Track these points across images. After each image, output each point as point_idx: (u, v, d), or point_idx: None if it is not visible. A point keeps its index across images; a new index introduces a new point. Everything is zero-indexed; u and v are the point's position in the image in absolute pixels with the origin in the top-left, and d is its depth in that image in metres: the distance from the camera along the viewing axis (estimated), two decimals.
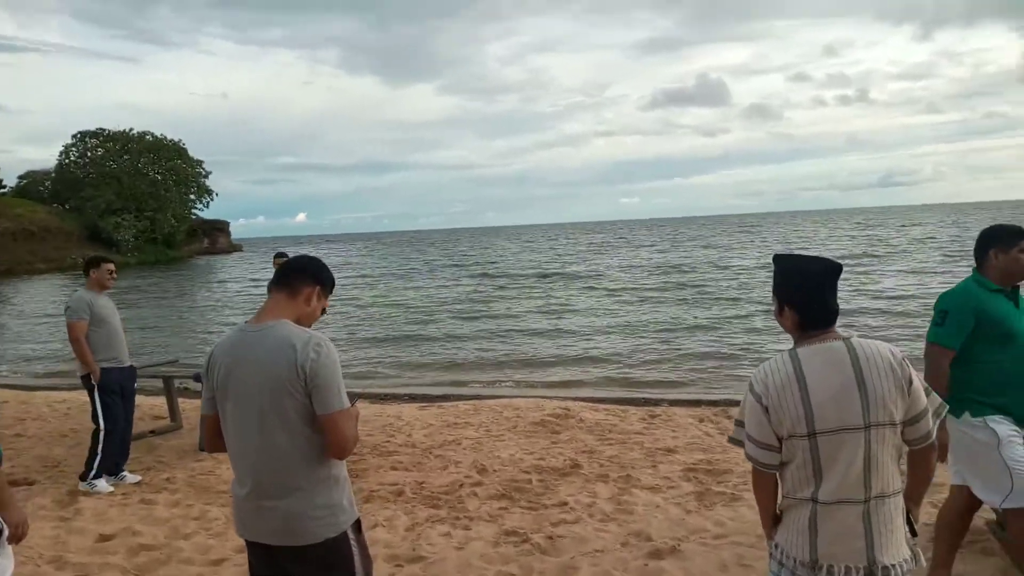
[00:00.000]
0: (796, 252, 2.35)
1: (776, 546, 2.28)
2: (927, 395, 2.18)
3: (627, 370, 11.98)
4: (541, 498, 5.21)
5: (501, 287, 28.97)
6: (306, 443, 2.28)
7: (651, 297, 22.94)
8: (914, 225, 70.97)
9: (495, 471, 5.85)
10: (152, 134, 75.33)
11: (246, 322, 2.43)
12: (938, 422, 2.21)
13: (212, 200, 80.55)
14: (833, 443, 2.09)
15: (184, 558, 4.35)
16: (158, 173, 73.13)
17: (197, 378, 6.95)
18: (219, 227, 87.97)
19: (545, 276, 32.89)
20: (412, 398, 9.65)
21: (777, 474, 2.26)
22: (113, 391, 5.71)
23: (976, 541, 4.16)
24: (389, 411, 8.33)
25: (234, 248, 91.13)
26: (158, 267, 60.18)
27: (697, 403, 8.46)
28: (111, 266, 5.89)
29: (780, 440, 2.16)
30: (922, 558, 2.25)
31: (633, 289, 25.34)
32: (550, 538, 4.48)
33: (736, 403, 8.36)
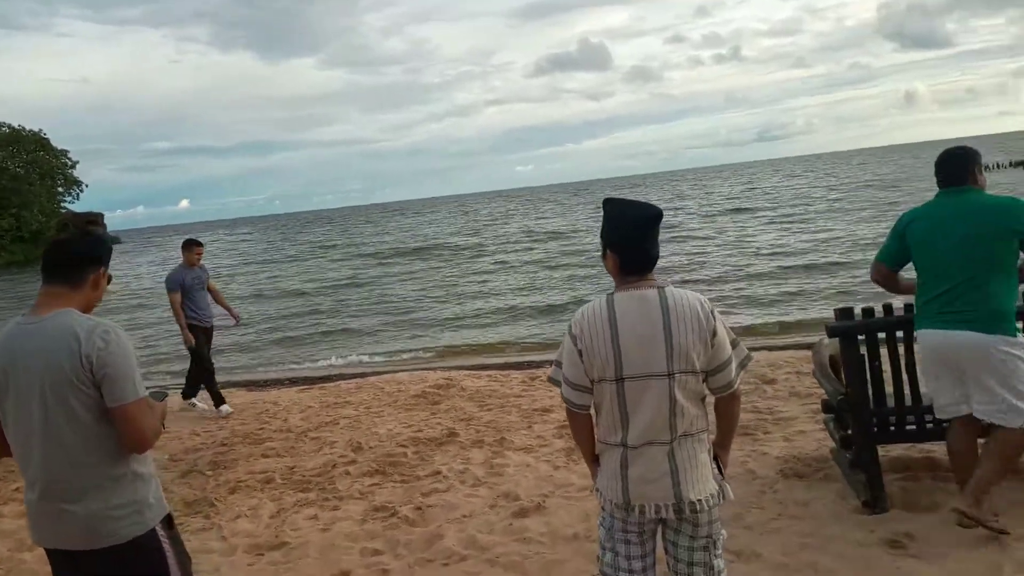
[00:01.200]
0: (624, 198, 2.32)
1: (597, 490, 2.32)
2: (733, 347, 2.22)
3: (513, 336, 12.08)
4: (415, 470, 5.16)
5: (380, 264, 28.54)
6: (97, 439, 2.12)
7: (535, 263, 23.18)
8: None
9: (371, 448, 5.75)
10: (9, 125, 69.77)
11: (23, 315, 2.22)
12: (741, 373, 2.26)
13: (82, 192, 75.63)
14: (638, 388, 2.12)
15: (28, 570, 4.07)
16: (19, 167, 67.93)
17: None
18: (92, 220, 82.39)
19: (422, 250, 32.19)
20: (293, 382, 9.39)
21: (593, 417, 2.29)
22: None
23: (820, 469, 4.40)
24: (267, 397, 8.07)
25: (112, 241, 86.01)
26: (29, 266, 56.13)
27: None
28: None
29: (592, 383, 2.19)
30: (730, 493, 2.31)
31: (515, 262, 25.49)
32: (419, 508, 4.44)
33: None
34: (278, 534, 4.27)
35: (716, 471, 2.30)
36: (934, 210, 3.41)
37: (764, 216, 32.75)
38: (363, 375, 9.11)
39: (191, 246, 7.44)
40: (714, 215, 36.25)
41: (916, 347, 3.75)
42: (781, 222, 28.77)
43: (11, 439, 2.20)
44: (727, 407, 2.31)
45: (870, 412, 3.85)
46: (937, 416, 3.54)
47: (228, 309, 7.89)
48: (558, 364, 2.30)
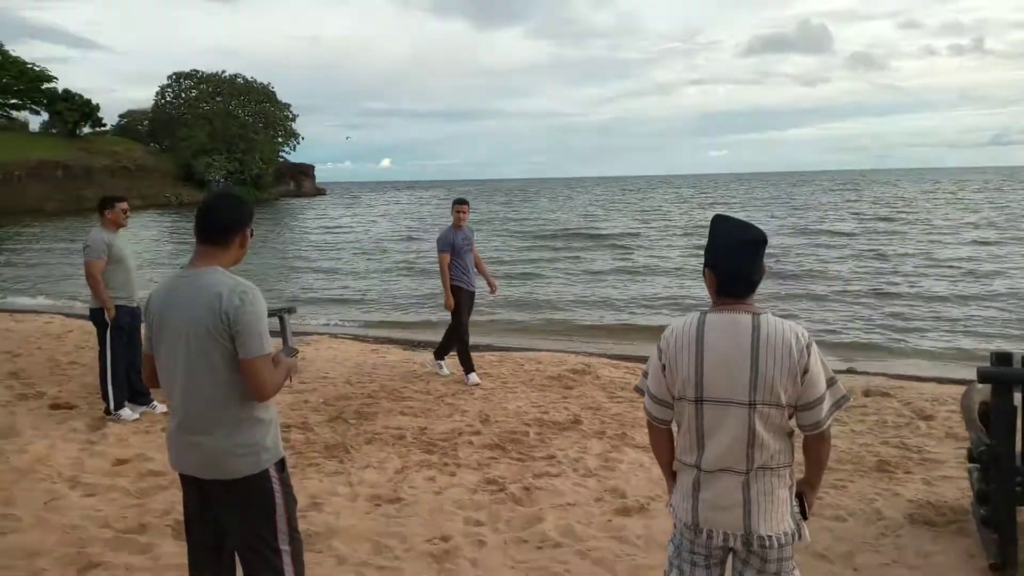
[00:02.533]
0: (733, 216, 2.31)
1: (671, 507, 2.34)
2: (829, 386, 2.14)
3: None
4: (533, 451, 5.33)
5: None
6: (227, 385, 2.42)
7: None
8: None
9: (497, 422, 5.99)
10: (243, 77, 77.54)
11: (181, 267, 2.58)
12: (833, 414, 2.17)
13: (299, 144, 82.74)
14: (717, 413, 2.12)
15: None
16: (248, 116, 75.43)
17: (271, 313, 7.26)
18: (304, 171, 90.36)
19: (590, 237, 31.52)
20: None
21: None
22: (123, 328, 6.05)
23: (955, 521, 4.07)
24: (417, 358, 8.57)
25: (318, 192, 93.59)
26: None
27: None
28: (125, 205, 6.19)
29: (673, 399, 2.21)
30: (806, 534, 2.25)
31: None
32: (526, 488, 4.60)
33: None
34: (396, 489, 4.61)
35: (796, 510, 2.24)
36: None
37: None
38: (507, 349, 9.41)
39: (457, 205, 7.35)
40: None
41: None
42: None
43: (160, 375, 2.56)
44: (814, 446, 2.23)
45: (1014, 469, 3.50)
46: None
47: (487, 278, 7.71)
48: (645, 374, 2.33)
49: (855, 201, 53.47)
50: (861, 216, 37.72)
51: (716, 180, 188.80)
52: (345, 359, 8.47)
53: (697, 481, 2.19)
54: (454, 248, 7.17)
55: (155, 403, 6.24)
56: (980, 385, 3.84)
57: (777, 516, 2.15)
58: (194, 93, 74.86)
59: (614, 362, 8.26)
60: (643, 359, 8.75)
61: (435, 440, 5.58)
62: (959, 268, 17.79)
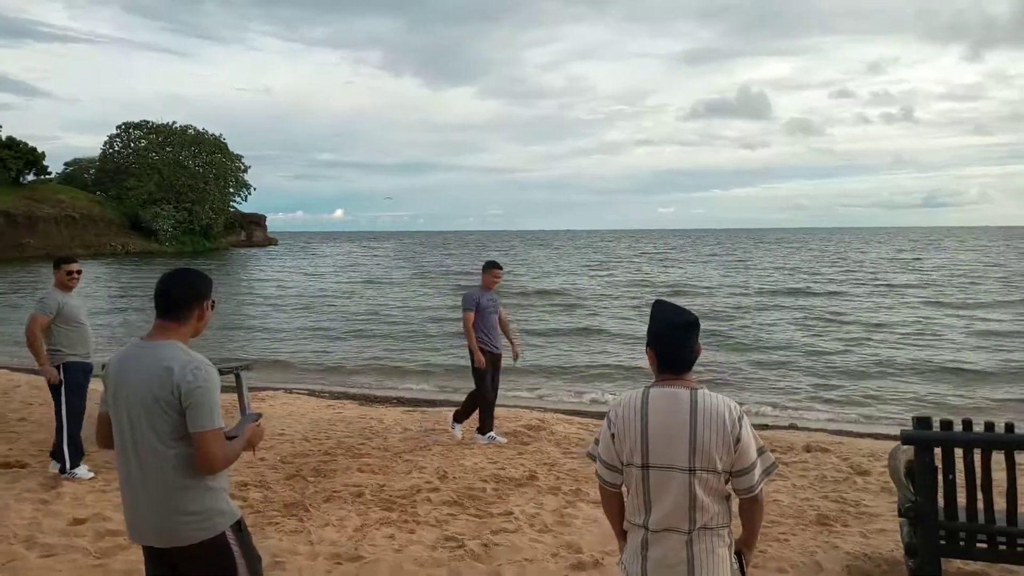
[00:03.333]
0: (668, 300, 2.57)
1: (621, 564, 2.51)
2: (760, 454, 2.37)
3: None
4: (490, 507, 5.46)
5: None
6: (176, 456, 2.47)
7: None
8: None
9: (455, 478, 6.11)
10: (194, 128, 77.27)
11: (141, 337, 2.63)
12: (764, 479, 2.39)
13: (250, 194, 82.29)
14: (662, 477, 2.32)
15: None
16: (198, 166, 74.96)
17: (228, 370, 7.30)
18: (256, 221, 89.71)
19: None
20: (400, 401, 9.96)
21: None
22: (79, 385, 6.02)
23: (889, 572, 4.33)
24: (373, 414, 8.65)
25: (270, 242, 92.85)
26: (194, 257, 61.67)
27: None
28: (73, 267, 6.10)
29: (622, 464, 2.41)
30: None
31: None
32: (485, 545, 4.72)
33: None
34: (357, 547, 4.68)
35: (736, 566, 2.43)
36: None
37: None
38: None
39: (492, 268, 7.26)
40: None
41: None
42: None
43: (115, 442, 2.58)
44: (749, 508, 2.43)
45: (937, 524, 3.80)
46: None
47: (512, 343, 7.51)
48: (596, 442, 2.53)
49: (805, 260, 55.37)
50: (814, 275, 39.12)
51: (666, 234, 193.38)
52: (302, 415, 8.50)
53: (645, 540, 2.37)
54: (479, 308, 7.13)
55: (82, 468, 6.04)
56: (904, 446, 4.16)
57: (718, 573, 2.34)
58: (143, 143, 74.20)
59: (568, 418, 8.47)
60: (596, 415, 9.00)
61: (394, 497, 5.66)
62: (900, 332, 18.52)
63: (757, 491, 2.38)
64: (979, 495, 3.80)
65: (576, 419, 8.40)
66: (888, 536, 4.90)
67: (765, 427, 8.56)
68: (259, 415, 2.89)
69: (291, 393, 10.22)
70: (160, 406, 2.45)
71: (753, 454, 2.35)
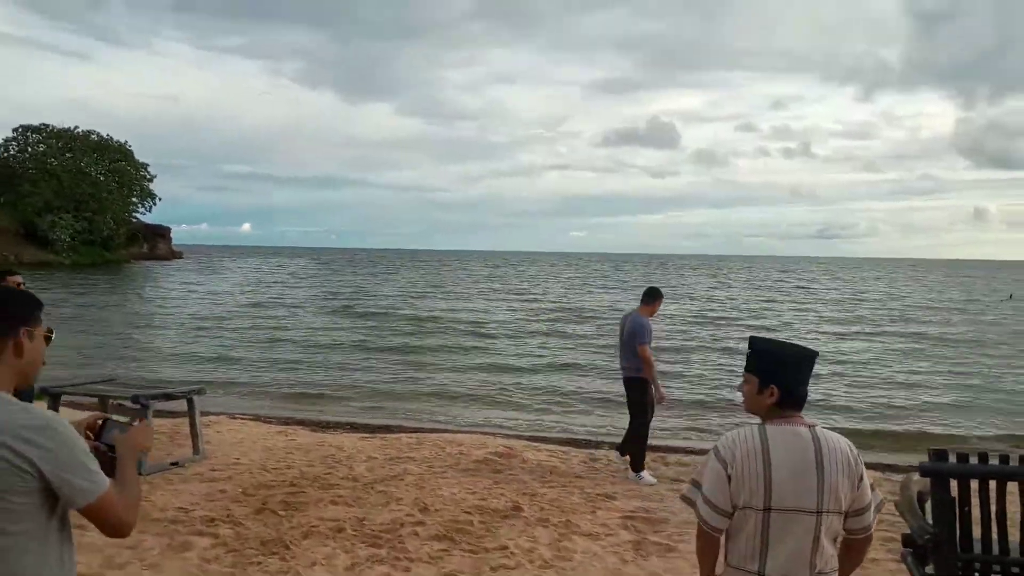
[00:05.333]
0: (771, 338, 2.49)
1: None
2: (871, 491, 2.31)
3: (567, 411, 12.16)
4: (482, 541, 5.26)
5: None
6: (33, 537, 1.77)
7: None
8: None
9: (437, 510, 5.87)
10: (98, 134, 73.47)
11: None
12: (877, 516, 2.34)
13: (155, 204, 78.72)
14: (786, 521, 2.20)
15: None
16: (101, 174, 71.24)
17: (135, 399, 6.80)
18: (160, 232, 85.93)
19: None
20: (353, 427, 9.59)
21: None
22: None
23: None
24: (330, 440, 8.27)
25: (174, 255, 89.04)
26: (93, 270, 58.38)
27: None
28: (17, 279, 5.60)
29: (734, 508, 2.27)
30: None
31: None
32: None
33: (675, 450, 8.57)
34: None
35: None
36: None
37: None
38: (421, 430, 9.28)
39: (659, 298, 6.94)
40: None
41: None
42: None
43: None
44: (861, 548, 2.37)
45: (956, 556, 3.86)
46: None
47: (656, 383, 6.98)
48: (695, 484, 2.38)
49: (725, 286, 57.30)
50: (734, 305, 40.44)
51: (579, 258, 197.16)
52: (253, 442, 8.04)
53: None
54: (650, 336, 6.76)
55: None
56: (917, 477, 4.24)
57: None
58: (42, 148, 69.94)
59: (535, 445, 8.34)
60: (564, 442, 8.91)
61: (378, 532, 5.38)
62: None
63: (872, 529, 2.32)
64: (994, 526, 3.90)
65: (543, 446, 8.27)
66: (881, 566, 4.99)
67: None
68: (126, 423, 2.07)
69: (235, 419, 9.67)
70: (9, 490, 1.71)
71: (870, 491, 2.29)
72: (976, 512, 3.95)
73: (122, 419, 2.08)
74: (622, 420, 7.61)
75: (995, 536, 3.91)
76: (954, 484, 3.93)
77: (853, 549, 2.38)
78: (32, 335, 1.86)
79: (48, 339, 1.96)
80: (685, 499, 2.45)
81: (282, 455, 7.52)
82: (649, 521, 5.77)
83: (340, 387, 14.25)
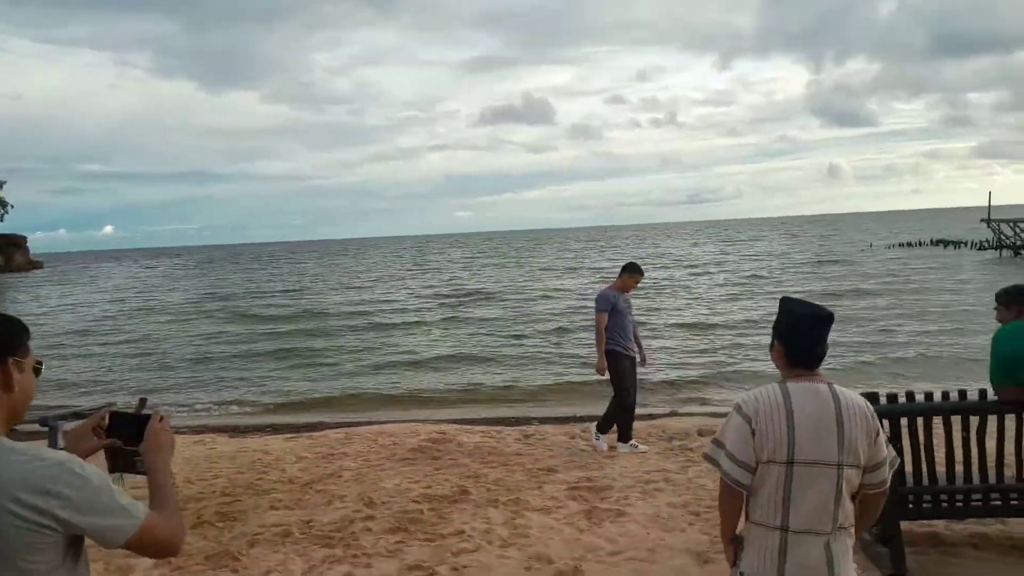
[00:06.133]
0: (799, 297, 2.54)
1: (740, 573, 2.36)
2: (886, 447, 2.37)
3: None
4: (437, 528, 5.22)
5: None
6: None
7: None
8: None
9: (384, 503, 5.77)
10: None
11: None
12: (892, 472, 2.39)
13: (6, 213, 72.54)
14: (808, 474, 2.24)
15: None
16: None
17: (43, 422, 6.29)
18: (15, 242, 79.28)
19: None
20: (275, 429, 9.26)
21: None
22: None
23: None
24: (253, 445, 7.96)
25: (33, 265, 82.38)
26: None
27: (566, 420, 8.81)
28: None
29: (758, 463, 2.27)
30: None
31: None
32: (455, 569, 4.51)
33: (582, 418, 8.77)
34: None
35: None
36: None
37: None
38: (348, 424, 9.08)
39: (634, 272, 6.96)
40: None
41: None
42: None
43: None
44: (876, 502, 2.41)
45: (898, 491, 4.17)
46: None
47: (640, 348, 7.15)
48: (718, 443, 2.37)
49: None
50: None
51: (467, 237, 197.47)
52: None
53: (784, 544, 2.25)
54: (614, 309, 6.80)
55: None
56: None
57: (851, 573, 2.31)
58: None
59: (467, 428, 8.32)
60: (492, 422, 8.94)
61: (328, 532, 5.23)
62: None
63: (888, 484, 2.37)
64: (923, 460, 4.24)
65: (476, 429, 8.27)
66: None
67: (652, 416, 8.97)
68: (135, 413, 1.87)
69: None
70: (34, 545, 1.52)
71: (885, 447, 2.35)
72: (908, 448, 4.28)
73: (127, 410, 1.88)
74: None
75: (924, 469, 4.25)
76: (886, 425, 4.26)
77: (870, 504, 2.41)
78: (21, 366, 1.65)
79: (38, 370, 1.73)
80: (707, 458, 2.44)
81: (206, 465, 7.16)
82: (593, 489, 5.90)
83: (251, 390, 13.72)
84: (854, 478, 2.28)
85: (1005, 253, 41.86)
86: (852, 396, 2.34)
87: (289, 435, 8.42)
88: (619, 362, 6.87)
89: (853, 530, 2.36)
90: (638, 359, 7.10)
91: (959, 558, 4.37)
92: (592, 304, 7.17)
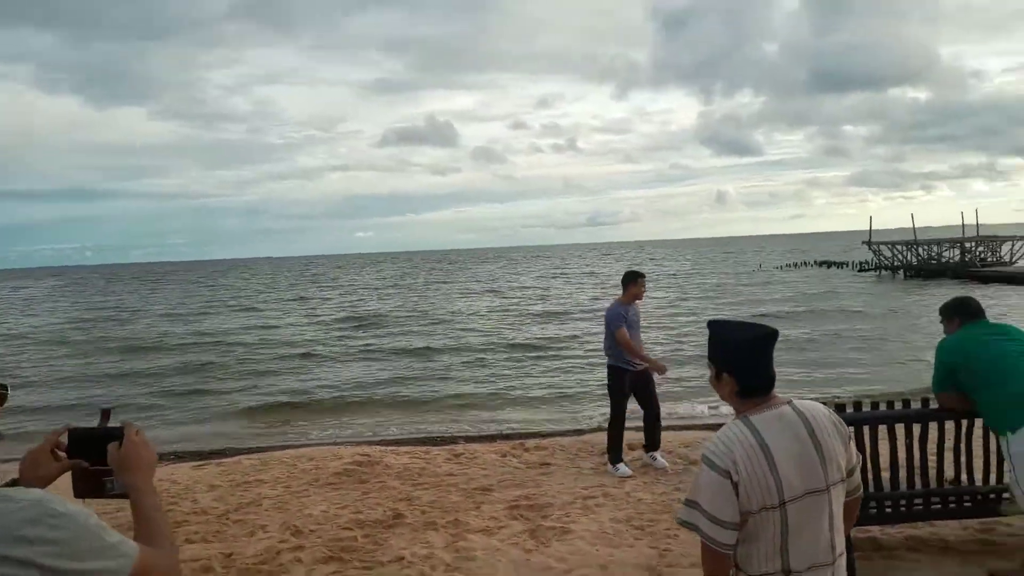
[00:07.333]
0: (729, 319, 2.32)
1: None
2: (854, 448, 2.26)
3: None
4: (374, 555, 4.90)
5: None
6: None
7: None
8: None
9: (312, 531, 5.39)
10: None
11: None
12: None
13: None
14: (801, 509, 2.05)
15: None
16: None
17: None
18: None
19: None
20: (179, 456, 8.60)
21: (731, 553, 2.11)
22: None
23: None
24: (159, 474, 7.32)
25: None
26: None
27: (492, 438, 8.61)
28: None
29: (746, 516, 2.04)
30: None
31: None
32: None
33: (534, 435, 8.62)
34: None
35: None
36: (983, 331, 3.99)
37: None
38: (262, 449, 8.54)
39: (638, 279, 6.78)
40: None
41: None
42: None
43: None
44: (854, 507, 2.28)
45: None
46: None
47: (648, 358, 6.90)
48: (693, 504, 2.09)
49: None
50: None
51: (366, 258, 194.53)
52: (65, 490, 6.89)
53: None
54: (627, 323, 6.60)
55: None
56: None
57: None
58: None
59: (393, 449, 7.98)
60: (418, 442, 8.63)
61: (253, 565, 4.82)
62: None
63: (861, 488, 2.28)
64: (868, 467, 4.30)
65: (402, 449, 7.94)
66: None
67: (580, 431, 8.88)
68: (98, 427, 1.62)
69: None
70: None
71: (855, 449, 2.24)
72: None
73: (87, 426, 1.61)
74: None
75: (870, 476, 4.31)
76: None
77: (850, 511, 2.28)
78: None
79: (3, 397, 1.55)
80: (683, 523, 2.13)
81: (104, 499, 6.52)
82: (534, 507, 5.72)
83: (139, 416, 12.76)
84: (841, 491, 2.14)
85: (884, 273, 44.73)
86: (813, 407, 2.17)
87: (197, 462, 7.82)
88: (620, 380, 6.72)
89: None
90: (650, 369, 6.86)
91: (900, 561, 4.45)
92: (602, 322, 6.93)
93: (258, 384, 15.53)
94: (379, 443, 8.61)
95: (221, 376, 16.90)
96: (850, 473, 2.19)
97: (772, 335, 2.19)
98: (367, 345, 21.55)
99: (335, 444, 8.67)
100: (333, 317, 31.54)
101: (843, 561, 2.14)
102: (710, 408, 11.20)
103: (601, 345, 7.04)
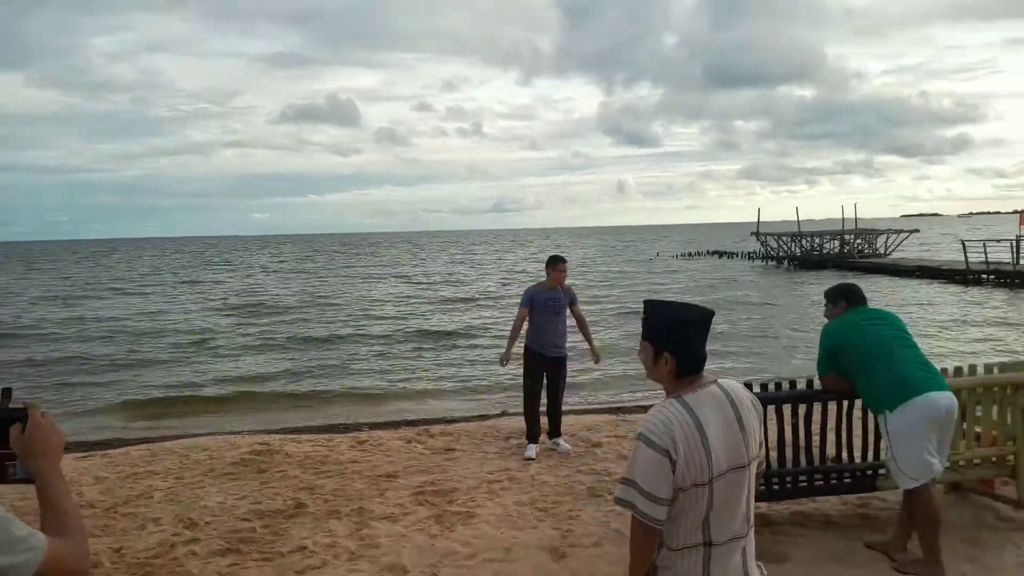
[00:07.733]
0: (665, 299, 2.35)
1: None
2: None
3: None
4: (274, 546, 4.78)
5: None
6: None
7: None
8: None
9: (208, 523, 5.20)
10: None
11: None
12: None
13: None
14: (726, 485, 2.13)
15: None
16: None
17: None
18: None
19: None
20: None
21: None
22: None
23: None
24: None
25: None
26: None
27: (397, 425, 8.54)
28: None
29: (677, 492, 2.10)
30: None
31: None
32: None
33: (437, 421, 8.60)
34: None
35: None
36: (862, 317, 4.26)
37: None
38: (150, 440, 8.15)
39: (556, 263, 6.78)
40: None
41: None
42: None
43: None
44: (757, 480, 2.35)
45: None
46: (925, 480, 3.95)
47: (590, 343, 7.03)
48: (629, 482, 2.14)
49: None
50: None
51: (263, 240, 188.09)
52: None
53: (707, 558, 2.15)
54: (535, 305, 6.69)
55: None
56: None
57: (755, 569, 2.28)
58: None
59: (294, 437, 7.77)
60: (324, 429, 8.45)
61: (145, 560, 4.61)
62: None
63: (765, 462, 2.46)
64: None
65: (304, 437, 7.75)
66: None
67: (484, 416, 8.93)
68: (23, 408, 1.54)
69: None
70: None
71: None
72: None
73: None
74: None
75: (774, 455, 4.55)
76: None
77: (754, 484, 2.35)
78: None
79: None
80: (620, 501, 2.17)
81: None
82: (439, 493, 5.73)
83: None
84: (755, 468, 2.24)
85: (770, 263, 47.09)
86: (736, 386, 2.28)
87: (80, 454, 7.38)
88: (530, 361, 6.86)
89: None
90: (570, 355, 7.03)
91: (786, 536, 4.72)
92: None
93: (145, 374, 14.79)
94: (279, 432, 8.39)
95: (104, 365, 15.99)
96: (760, 447, 2.30)
97: (710, 315, 2.28)
98: (264, 332, 20.90)
99: (231, 433, 8.36)
100: (227, 303, 30.33)
101: (752, 533, 2.25)
102: (610, 395, 11.51)
103: (506, 332, 7.15)
